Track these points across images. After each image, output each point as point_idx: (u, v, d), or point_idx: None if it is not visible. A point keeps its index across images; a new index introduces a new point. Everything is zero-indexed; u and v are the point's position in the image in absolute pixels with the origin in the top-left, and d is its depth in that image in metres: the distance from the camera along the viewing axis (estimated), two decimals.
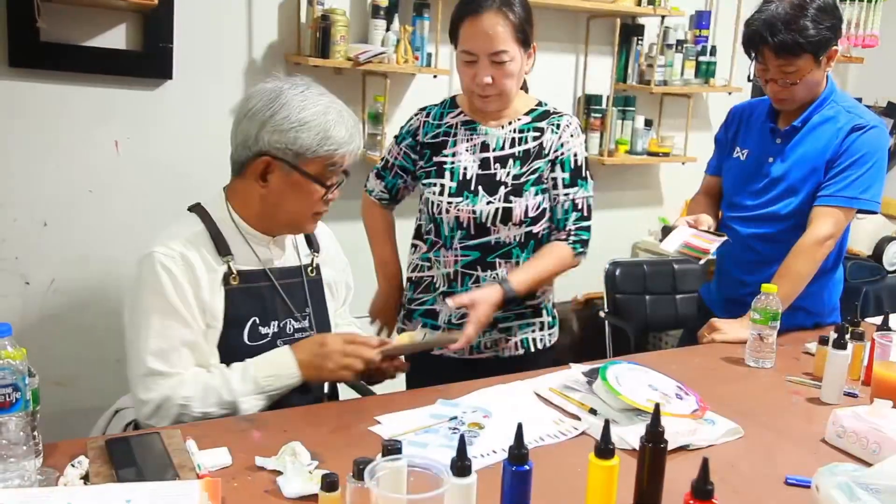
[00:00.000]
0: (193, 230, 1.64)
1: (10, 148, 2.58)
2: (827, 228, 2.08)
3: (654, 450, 1.21)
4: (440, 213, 2.05)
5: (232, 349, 1.64)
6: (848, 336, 1.76)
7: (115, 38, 2.66)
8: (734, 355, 2.02)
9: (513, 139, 2.06)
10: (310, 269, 1.79)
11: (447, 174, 2.06)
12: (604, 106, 3.60)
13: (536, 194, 2.03)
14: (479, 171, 2.05)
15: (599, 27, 3.57)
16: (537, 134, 2.06)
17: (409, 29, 2.97)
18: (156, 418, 1.55)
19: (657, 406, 1.21)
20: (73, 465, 1.24)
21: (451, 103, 2.14)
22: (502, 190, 2.02)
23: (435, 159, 2.09)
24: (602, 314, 3.35)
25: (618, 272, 3.33)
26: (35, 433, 1.24)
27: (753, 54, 2.10)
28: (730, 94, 3.85)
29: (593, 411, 1.61)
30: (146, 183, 2.80)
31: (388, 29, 2.97)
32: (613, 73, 3.59)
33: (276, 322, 1.69)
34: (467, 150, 2.07)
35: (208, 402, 1.55)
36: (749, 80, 2.31)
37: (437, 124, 2.12)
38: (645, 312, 3.34)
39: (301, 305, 1.75)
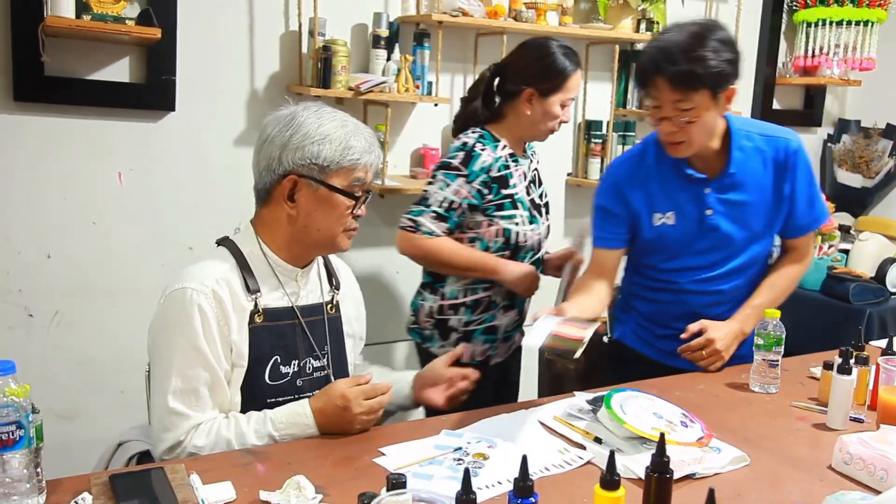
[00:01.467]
0: (224, 265, 1.64)
1: (14, 180, 2.60)
2: (812, 255, 2.20)
3: (659, 480, 1.20)
4: (524, 241, 2.33)
5: (252, 388, 1.62)
6: (852, 361, 1.75)
7: (119, 71, 2.69)
8: (738, 380, 2.01)
9: (528, 165, 2.42)
10: (329, 306, 1.78)
11: (519, 205, 2.33)
12: (604, 131, 3.62)
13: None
14: (528, 198, 2.38)
15: (599, 53, 3.59)
16: (532, 162, 2.47)
17: (410, 58, 2.99)
18: (169, 457, 1.55)
19: (662, 435, 1.20)
20: (76, 503, 1.23)
21: (492, 137, 2.33)
22: (543, 211, 2.43)
23: (504, 192, 2.31)
24: (606, 339, 3.34)
25: (620, 297, 3.31)
26: (38, 469, 1.24)
27: (645, 89, 1.94)
28: None
29: (598, 440, 1.60)
30: (149, 214, 2.81)
31: (388, 58, 2.99)
32: (613, 98, 3.61)
33: (297, 361, 1.68)
34: (519, 181, 2.35)
35: (218, 451, 1.55)
36: (640, 106, 2.17)
37: (497, 157, 2.31)
38: None
39: (321, 343, 1.73)
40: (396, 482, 1.10)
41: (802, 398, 1.91)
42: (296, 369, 1.68)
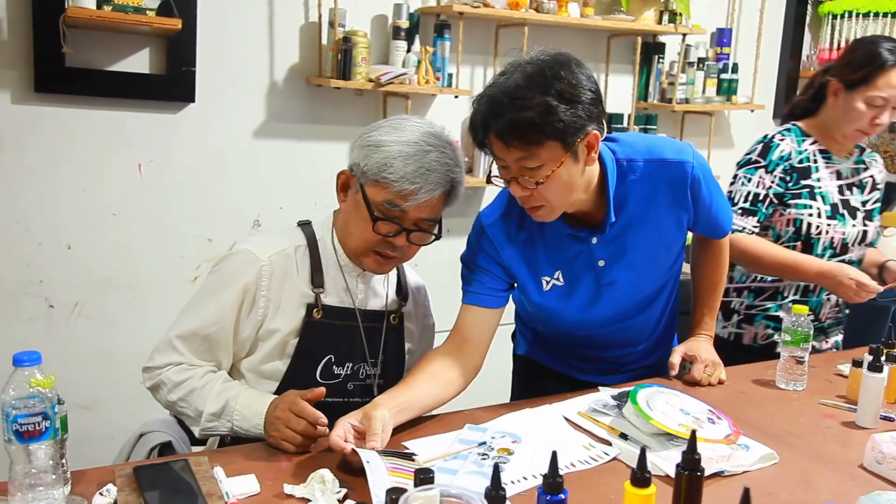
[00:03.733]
0: (294, 244, 1.65)
1: (35, 172, 2.60)
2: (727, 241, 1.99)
3: (690, 477, 1.18)
4: (818, 233, 2.25)
5: (301, 383, 1.60)
6: (883, 358, 1.72)
7: (139, 62, 2.69)
8: (764, 377, 1.98)
9: (853, 169, 2.35)
10: (393, 316, 1.75)
11: (819, 198, 2.26)
12: (625, 125, 3.58)
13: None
14: (840, 197, 2.29)
15: (620, 46, 3.56)
16: (866, 167, 2.37)
17: (430, 50, 2.98)
18: (145, 375, 1.66)
19: (693, 432, 1.18)
20: (101, 494, 1.23)
21: (801, 132, 2.31)
22: (860, 215, 2.32)
23: (803, 182, 2.26)
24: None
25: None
26: (63, 460, 1.23)
27: (482, 149, 1.59)
28: (752, 111, 3.82)
29: (624, 436, 1.58)
30: (168, 206, 2.81)
31: (408, 50, 2.98)
32: (635, 91, 3.58)
33: (351, 364, 1.67)
34: (828, 177, 2.29)
35: (181, 394, 1.60)
36: (487, 181, 1.64)
37: (800, 150, 2.28)
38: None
39: (377, 352, 1.71)
40: (424, 478, 1.08)
41: (830, 396, 1.87)
42: (348, 372, 1.67)
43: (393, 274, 1.79)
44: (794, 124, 2.34)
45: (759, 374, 2.01)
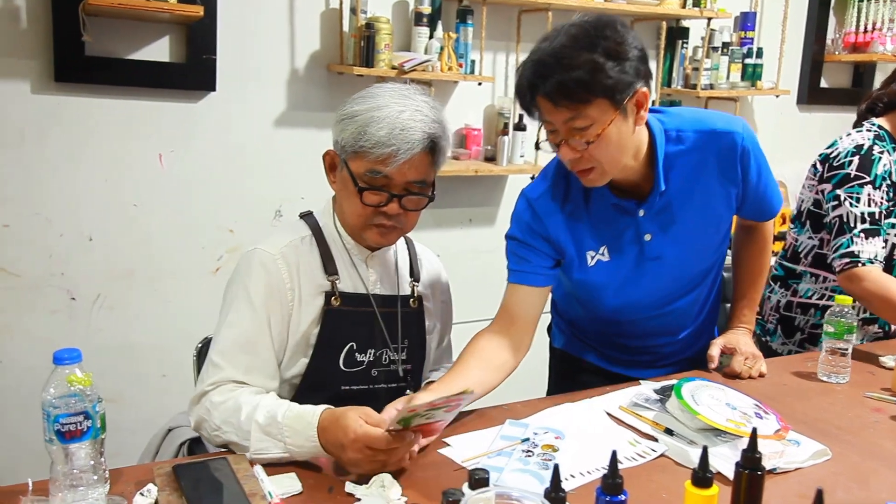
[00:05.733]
0: (300, 235, 1.61)
1: (55, 162, 2.56)
2: (772, 226, 1.94)
3: (751, 476, 1.14)
4: None
5: (325, 372, 1.57)
6: None
7: (159, 50, 2.64)
8: (804, 369, 1.94)
9: None
10: (411, 299, 1.70)
11: None
12: None
13: None
14: None
15: (644, 30, 3.50)
16: None
17: (453, 36, 2.92)
18: (194, 406, 1.48)
19: (755, 430, 1.14)
20: (142, 494, 1.19)
21: (891, 138, 2.14)
22: None
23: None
24: None
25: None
26: (102, 459, 1.20)
27: (532, 114, 1.57)
28: (777, 96, 3.76)
29: (669, 431, 1.54)
30: (189, 196, 2.77)
31: (430, 36, 2.92)
32: (658, 76, 3.52)
33: (373, 350, 1.63)
34: None
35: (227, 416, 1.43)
36: (536, 147, 1.64)
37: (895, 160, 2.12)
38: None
39: (396, 336, 1.66)
40: (480, 479, 1.05)
41: (875, 388, 1.82)
42: (371, 359, 1.62)
43: (404, 256, 1.74)
44: (881, 128, 2.15)
45: (799, 366, 1.96)
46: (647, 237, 1.70)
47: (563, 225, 1.70)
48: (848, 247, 2.03)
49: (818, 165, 2.20)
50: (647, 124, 1.62)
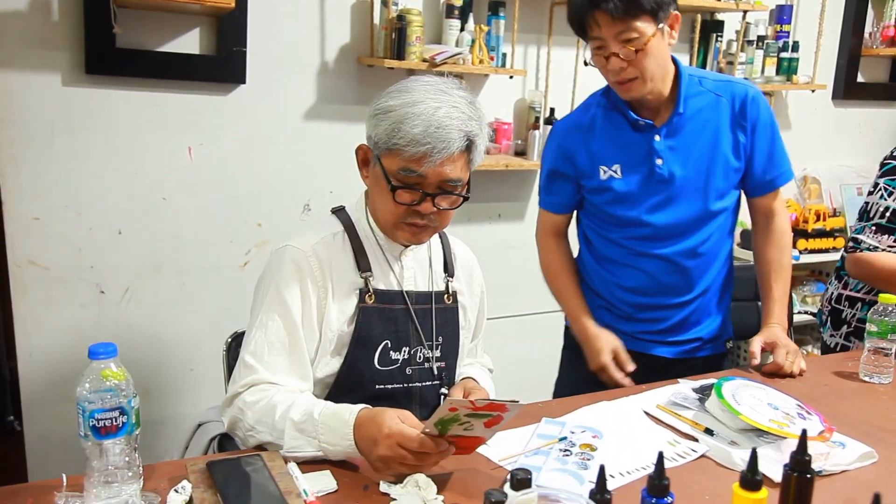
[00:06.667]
0: (332, 231, 1.58)
1: (85, 155, 2.56)
2: (787, 213, 2.02)
3: (800, 480, 1.10)
4: None
5: (360, 370, 1.54)
6: None
7: (190, 43, 2.63)
8: (845, 369, 1.89)
9: None
10: (446, 296, 1.67)
11: None
12: None
13: None
14: None
15: None
16: None
17: (485, 28, 2.89)
18: (227, 407, 1.47)
19: (804, 431, 1.11)
20: (176, 491, 1.18)
21: None
22: None
23: None
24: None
25: None
26: (136, 455, 1.18)
27: (584, 31, 1.79)
28: (813, 91, 3.68)
29: (709, 431, 1.50)
30: (218, 190, 2.76)
31: (462, 29, 2.89)
32: None
33: (407, 348, 1.59)
34: None
35: (260, 415, 1.41)
36: (585, 63, 1.89)
37: None
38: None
39: (430, 333, 1.63)
40: (522, 479, 1.02)
41: None
42: (406, 357, 1.59)
43: (438, 251, 1.70)
44: None
45: (840, 365, 1.92)
46: (659, 161, 1.88)
47: (581, 143, 1.94)
48: (858, 233, 2.15)
49: (887, 155, 2.26)
50: (674, 60, 1.87)
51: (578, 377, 1.96)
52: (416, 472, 1.26)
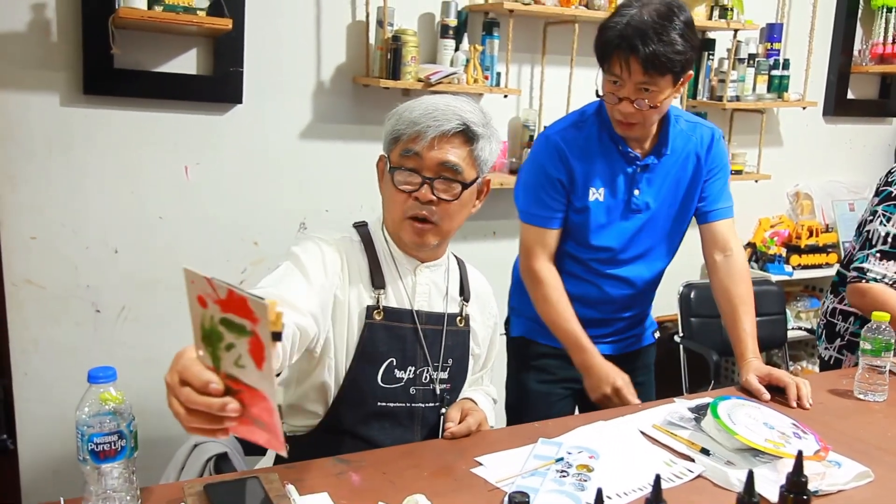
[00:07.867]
0: (350, 238, 1.61)
1: (83, 173, 2.57)
2: (741, 245, 2.06)
3: (797, 501, 1.11)
4: None
5: (362, 386, 1.55)
6: None
7: (187, 63, 2.65)
8: (839, 387, 1.90)
9: None
10: (459, 318, 1.68)
11: None
12: None
13: None
14: None
15: None
16: None
17: (479, 48, 2.91)
18: None
19: (800, 452, 1.12)
20: None
21: None
22: None
23: None
24: (677, 338, 3.24)
25: (692, 294, 3.21)
26: (134, 477, 1.19)
27: (608, 66, 1.79)
28: (804, 108, 3.72)
29: (706, 451, 1.51)
30: (215, 209, 2.77)
31: (456, 48, 2.91)
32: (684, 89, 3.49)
33: (413, 368, 1.60)
34: None
35: None
36: (598, 95, 1.89)
37: None
38: (721, 336, 3.20)
39: (438, 355, 1.63)
40: (520, 502, 1.02)
41: None
42: (411, 376, 1.59)
43: (455, 275, 1.71)
44: None
45: (835, 383, 1.93)
46: (636, 192, 1.96)
47: (580, 158, 1.93)
48: (862, 262, 2.14)
49: (881, 180, 2.27)
50: None
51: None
52: (178, 415, 1.02)
